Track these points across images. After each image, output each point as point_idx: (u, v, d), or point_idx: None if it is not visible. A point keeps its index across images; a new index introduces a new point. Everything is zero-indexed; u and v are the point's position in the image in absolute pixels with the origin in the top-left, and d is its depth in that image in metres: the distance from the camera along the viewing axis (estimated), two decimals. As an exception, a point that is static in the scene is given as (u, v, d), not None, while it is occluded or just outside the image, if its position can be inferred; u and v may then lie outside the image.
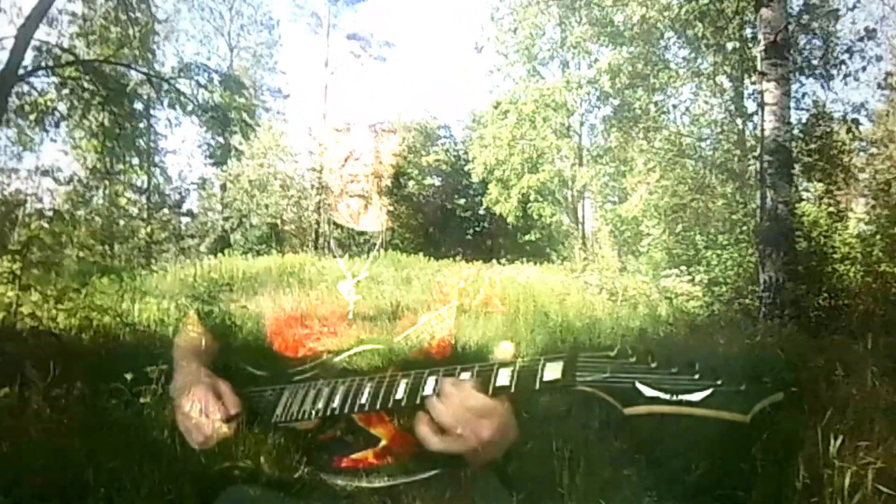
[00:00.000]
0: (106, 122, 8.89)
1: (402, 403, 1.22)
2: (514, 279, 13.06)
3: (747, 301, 7.11)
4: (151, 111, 24.18)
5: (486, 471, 1.38)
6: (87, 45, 10.11)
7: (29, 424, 3.49)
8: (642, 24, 13.34)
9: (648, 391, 0.98)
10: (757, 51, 7.14)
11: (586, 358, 1.06)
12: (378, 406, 1.24)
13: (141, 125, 23.23)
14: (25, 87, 8.53)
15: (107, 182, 25.22)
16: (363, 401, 1.26)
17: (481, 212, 24.96)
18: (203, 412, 1.31)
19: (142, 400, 3.83)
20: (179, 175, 27.93)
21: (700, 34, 12.49)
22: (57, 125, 9.30)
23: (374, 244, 1.65)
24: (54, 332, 5.73)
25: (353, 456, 1.41)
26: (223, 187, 27.60)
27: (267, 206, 22.90)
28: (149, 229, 25.96)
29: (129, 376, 3.90)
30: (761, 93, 6.85)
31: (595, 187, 14.41)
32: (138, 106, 19.74)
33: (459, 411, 1.13)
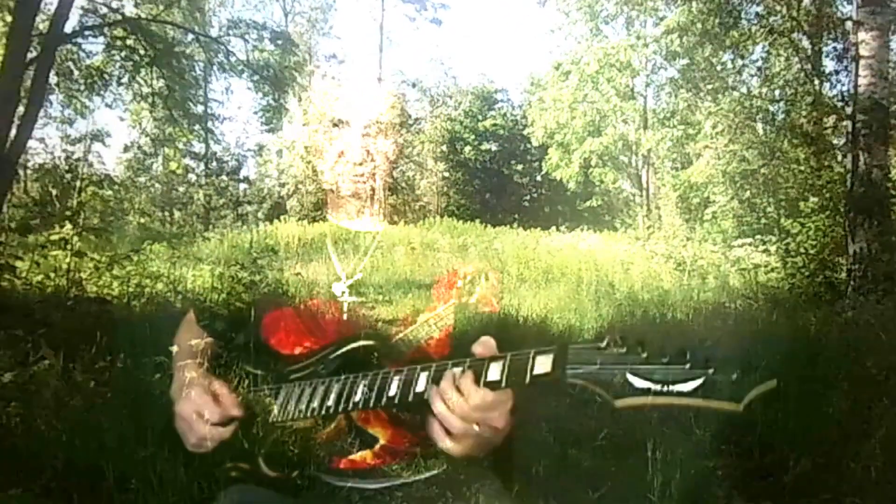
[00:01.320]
0: (156, 85, 8.69)
1: (396, 400, 1.22)
2: (575, 247, 12.65)
3: (833, 274, 6.56)
4: (207, 77, 24.35)
5: (486, 471, 1.38)
6: (136, 5, 9.89)
7: (71, 398, 3.32)
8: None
9: (639, 382, 0.95)
10: (851, -1, 6.46)
11: (576, 350, 1.03)
12: (372, 404, 1.25)
13: (196, 92, 23.44)
14: (73, 49, 8.41)
15: (165, 149, 25.50)
16: (357, 398, 1.26)
17: (539, 178, 24.48)
18: (199, 414, 1.30)
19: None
20: (236, 142, 28.20)
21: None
22: (105, 88, 9.15)
23: (376, 243, 1.59)
24: (105, 299, 5.62)
25: (352, 456, 1.40)
26: (279, 153, 27.70)
27: (322, 173, 22.73)
28: (203, 195, 26.18)
29: (174, 349, 3.66)
30: (856, 45, 6.22)
31: (661, 152, 13.73)
32: (194, 73, 19.84)
33: (466, 413, 1.12)
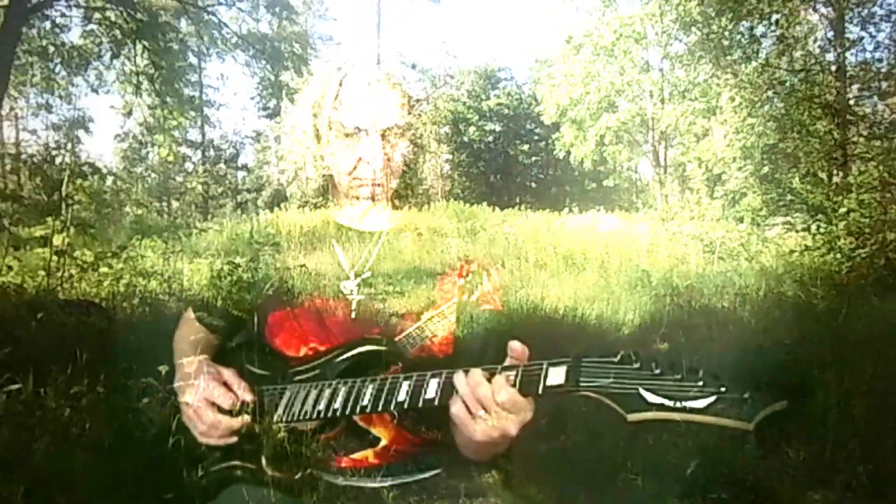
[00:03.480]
0: (140, 63, 7.96)
1: (405, 406, 1.22)
2: (594, 229, 12.03)
3: (893, 257, 5.92)
4: (202, 62, 23.79)
5: (486, 470, 1.40)
6: None
7: (42, 431, 2.76)
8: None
9: (652, 397, 0.98)
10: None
11: (590, 363, 1.07)
12: (380, 408, 1.25)
13: (190, 77, 22.93)
14: (48, 28, 7.73)
15: (161, 137, 25.09)
16: (365, 402, 1.26)
17: (546, 158, 23.89)
18: (208, 401, 1.32)
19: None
20: (234, 129, 27.66)
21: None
22: (86, 68, 8.45)
23: (379, 238, 1.59)
24: (91, 302, 5.03)
25: (354, 456, 1.41)
26: (277, 139, 27.13)
27: (322, 157, 22.31)
28: (201, 184, 25.71)
29: (163, 369, 3.08)
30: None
31: (683, 126, 13.07)
32: (187, 58, 19.25)
33: (489, 404, 1.13)
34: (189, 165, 28.49)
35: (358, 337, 1.40)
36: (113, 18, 7.00)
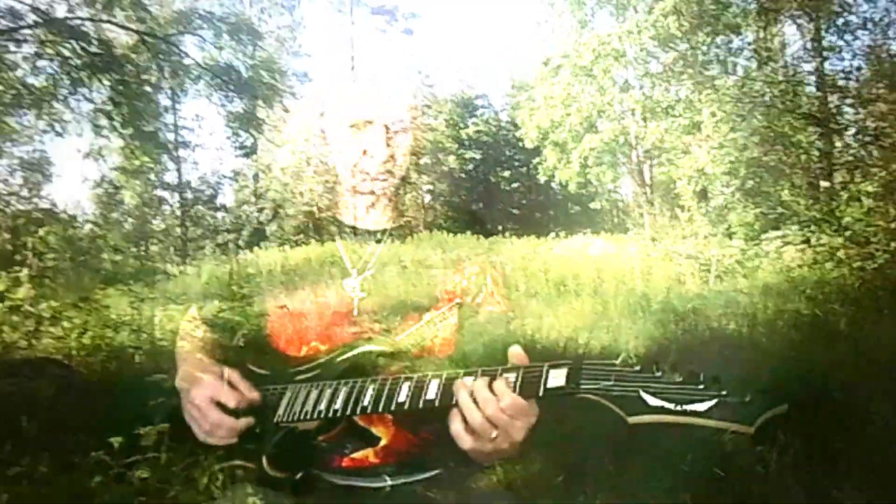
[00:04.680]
0: (98, 99, 7.59)
1: (406, 406, 1.22)
2: (584, 252, 11.73)
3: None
4: (176, 104, 23.56)
5: (486, 471, 1.39)
6: (69, 9, 8.65)
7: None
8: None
9: (653, 400, 0.98)
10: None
11: (590, 365, 1.06)
12: (381, 408, 1.25)
13: (165, 119, 22.63)
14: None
15: (137, 182, 24.90)
16: (366, 403, 1.26)
17: (527, 183, 23.72)
18: (213, 400, 1.32)
19: (139, 475, 2.58)
20: (211, 170, 27.28)
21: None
22: (40, 107, 7.99)
23: (381, 238, 1.61)
24: (47, 360, 4.62)
25: (354, 455, 1.41)
26: (255, 177, 26.74)
27: (301, 194, 22.08)
28: (178, 226, 25.35)
29: (116, 441, 2.70)
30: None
31: (669, 143, 12.87)
32: (159, 100, 18.95)
33: (493, 412, 1.12)
34: (166, 208, 28.08)
35: (359, 336, 1.41)
36: (66, 53, 6.61)
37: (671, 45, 13.00)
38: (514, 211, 24.57)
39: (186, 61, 7.90)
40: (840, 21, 13.69)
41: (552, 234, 15.36)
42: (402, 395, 1.22)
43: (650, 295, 6.68)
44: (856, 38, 13.75)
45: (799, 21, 13.67)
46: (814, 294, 5.33)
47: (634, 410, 0.99)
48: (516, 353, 1.18)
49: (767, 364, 4.05)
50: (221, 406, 1.33)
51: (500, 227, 19.67)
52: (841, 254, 6.34)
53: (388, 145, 1.53)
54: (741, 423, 0.93)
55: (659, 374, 1.00)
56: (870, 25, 13.68)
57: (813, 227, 8.09)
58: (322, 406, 1.30)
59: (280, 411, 1.36)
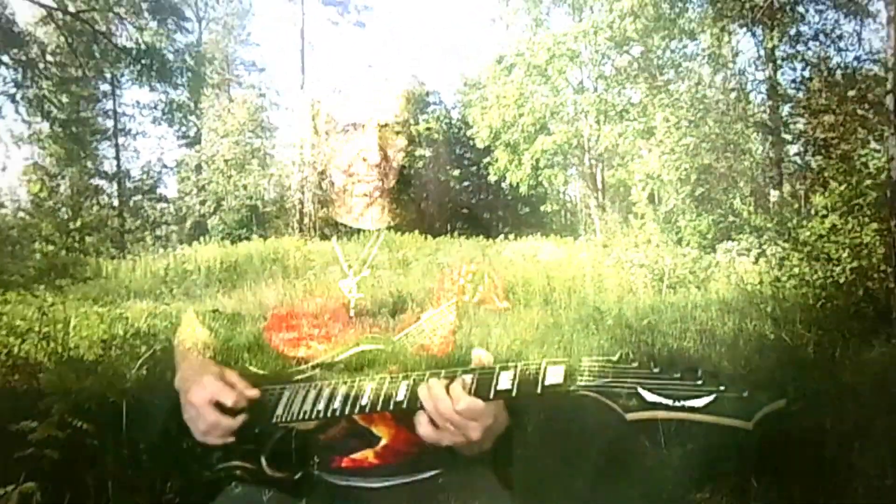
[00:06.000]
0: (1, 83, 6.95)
1: (404, 405, 1.23)
2: (534, 258, 11.45)
3: (873, 286, 5.38)
4: (115, 91, 22.71)
5: (486, 471, 1.41)
6: None
7: None
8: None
9: (651, 397, 0.98)
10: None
11: (588, 362, 1.07)
12: (379, 408, 1.25)
13: (104, 105, 21.73)
14: None
15: (72, 169, 24.02)
16: (364, 402, 1.26)
17: (478, 183, 23.48)
18: (211, 401, 1.32)
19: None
20: (155, 159, 26.34)
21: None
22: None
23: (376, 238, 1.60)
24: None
25: (354, 456, 1.42)
26: (197, 168, 25.94)
27: (245, 187, 21.42)
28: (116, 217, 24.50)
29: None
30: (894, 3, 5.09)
31: (622, 148, 12.67)
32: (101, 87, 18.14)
33: (448, 414, 1.15)
34: (104, 198, 27.03)
35: (357, 336, 1.41)
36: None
37: (626, 47, 12.82)
38: (464, 210, 24.34)
39: (103, 43, 7.26)
40: (792, 31, 13.75)
41: (501, 236, 15.08)
42: (401, 394, 1.23)
43: (603, 308, 6.37)
44: (808, 48, 13.82)
45: (753, 29, 13.69)
46: (777, 314, 5.09)
47: (632, 407, 0.99)
48: (478, 355, 1.20)
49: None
50: (220, 406, 1.32)
51: (448, 227, 19.39)
52: (798, 270, 6.14)
53: (381, 146, 1.52)
54: (739, 419, 0.93)
55: (657, 369, 1.00)
56: (821, 37, 13.74)
57: (765, 238, 7.92)
58: (321, 406, 1.30)
59: (279, 411, 1.35)
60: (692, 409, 0.94)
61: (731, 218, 11.12)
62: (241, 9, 29.22)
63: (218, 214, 23.53)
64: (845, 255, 5.65)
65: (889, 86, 5.14)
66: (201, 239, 16.88)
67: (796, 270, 6.00)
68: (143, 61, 7.19)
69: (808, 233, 6.07)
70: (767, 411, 0.92)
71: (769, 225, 7.98)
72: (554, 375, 1.09)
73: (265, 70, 28.58)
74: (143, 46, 7.57)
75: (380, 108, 1.53)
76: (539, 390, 1.10)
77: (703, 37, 13.23)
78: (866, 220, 5.71)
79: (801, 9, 13.33)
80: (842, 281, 5.47)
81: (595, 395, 1.03)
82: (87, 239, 26.28)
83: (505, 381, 1.14)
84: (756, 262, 7.80)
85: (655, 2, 12.04)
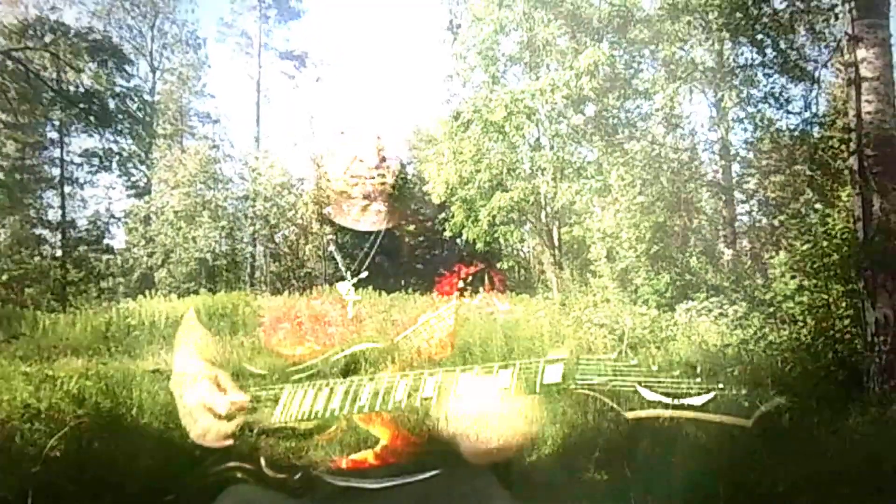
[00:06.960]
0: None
1: (402, 405, 1.26)
2: (489, 316, 11.19)
3: (842, 349, 5.27)
4: (63, 138, 22.23)
5: (486, 471, 1.41)
6: None
7: None
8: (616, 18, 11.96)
9: (650, 395, 1.01)
10: (843, 10, 5.29)
11: (588, 361, 1.10)
12: (377, 407, 1.28)
13: (51, 153, 21.27)
14: None
15: (13, 217, 23.34)
16: (362, 402, 1.29)
17: (432, 238, 23.36)
18: (205, 406, 1.34)
19: None
20: (97, 211, 25.64)
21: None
22: None
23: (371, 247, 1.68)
24: None
25: (354, 456, 1.46)
26: (146, 220, 25.33)
27: (195, 239, 20.90)
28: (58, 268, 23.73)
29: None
30: (854, 65, 5.07)
31: (580, 205, 12.65)
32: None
33: (475, 412, 1.18)
34: (46, 248, 26.14)
35: (355, 335, 1.49)
36: None
37: (582, 106, 12.93)
38: (419, 266, 24.20)
39: (39, 83, 6.83)
40: (743, 93, 14.06)
41: (455, 294, 14.81)
42: (399, 394, 1.24)
43: (564, 370, 6.14)
44: (758, 110, 14.12)
45: (705, 91, 13.98)
46: (746, 377, 4.93)
47: (632, 405, 1.01)
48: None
49: (705, 465, 3.56)
50: (213, 412, 1.32)
51: (402, 283, 19.18)
52: (762, 332, 6.01)
53: (378, 151, 1.58)
54: (738, 417, 0.96)
55: (656, 368, 1.03)
56: (770, 99, 14.05)
57: (723, 298, 7.84)
58: (319, 405, 1.31)
59: (278, 411, 1.36)
60: (691, 408, 0.96)
61: (687, 276, 11.10)
62: (197, 60, 29.06)
63: (166, 267, 22.89)
64: (810, 318, 5.57)
65: (853, 146, 5.12)
66: (147, 293, 16.39)
67: (762, 332, 5.88)
68: (80, 105, 6.73)
69: (771, 293, 5.98)
70: (766, 409, 0.94)
71: (725, 284, 7.93)
72: (553, 374, 1.11)
73: (219, 122, 28.36)
74: (80, 89, 7.17)
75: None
76: (538, 389, 1.13)
77: (657, 97, 13.40)
78: (832, 281, 5.66)
79: (750, 72, 13.65)
80: (808, 343, 5.38)
81: (594, 393, 1.05)
82: (27, 290, 25.33)
83: (504, 379, 1.15)
84: (716, 321, 7.69)
85: (611, 62, 12.20)
